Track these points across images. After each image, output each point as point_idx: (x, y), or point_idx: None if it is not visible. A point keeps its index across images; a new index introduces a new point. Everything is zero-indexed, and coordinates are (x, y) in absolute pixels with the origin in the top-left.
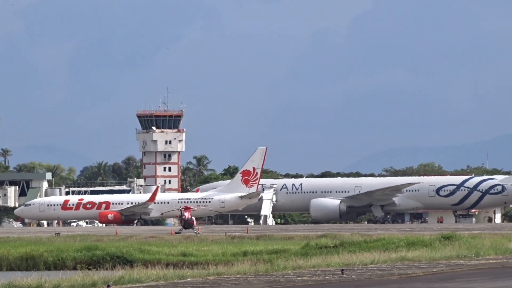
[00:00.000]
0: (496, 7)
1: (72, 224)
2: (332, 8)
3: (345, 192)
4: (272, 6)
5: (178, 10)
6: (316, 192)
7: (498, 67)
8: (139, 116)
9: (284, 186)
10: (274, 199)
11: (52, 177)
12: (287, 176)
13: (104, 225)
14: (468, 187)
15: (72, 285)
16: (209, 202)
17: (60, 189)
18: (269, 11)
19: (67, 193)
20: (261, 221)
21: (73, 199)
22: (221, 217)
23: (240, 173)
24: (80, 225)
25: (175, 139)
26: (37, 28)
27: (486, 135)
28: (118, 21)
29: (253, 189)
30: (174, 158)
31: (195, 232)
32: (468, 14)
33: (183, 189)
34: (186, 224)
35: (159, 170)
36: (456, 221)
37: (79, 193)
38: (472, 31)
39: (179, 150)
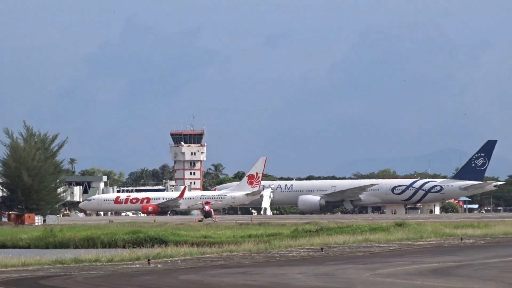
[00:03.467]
0: (435, 58)
1: (122, 214)
2: (315, 56)
3: (324, 190)
4: (271, 53)
5: (201, 56)
6: (302, 190)
7: (439, 99)
8: (171, 135)
9: (279, 186)
10: (271, 196)
11: (107, 179)
12: (281, 179)
13: (145, 215)
14: (415, 187)
15: (122, 259)
16: (223, 198)
17: (113, 188)
18: (268, 58)
19: (118, 192)
20: (262, 212)
21: (123, 196)
22: (232, 209)
23: (246, 176)
24: (128, 215)
25: (198, 151)
26: (97, 70)
27: (428, 149)
28: (156, 65)
29: (256, 189)
30: (198, 166)
31: (213, 220)
32: (414, 62)
33: (204, 188)
34: (206, 214)
35: (187, 174)
36: (406, 212)
37: (127, 191)
38: (417, 73)
39: (201, 160)
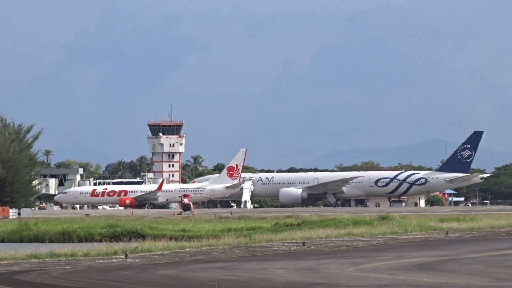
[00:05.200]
0: (421, 46)
1: (98, 207)
2: (298, 42)
3: (306, 183)
4: (252, 41)
5: (181, 45)
6: (284, 183)
7: (425, 88)
8: (149, 125)
9: (260, 179)
10: (252, 189)
11: (84, 171)
12: (262, 171)
13: (123, 208)
14: (399, 180)
15: (99, 254)
16: (203, 191)
17: (89, 181)
18: (249, 45)
19: (95, 184)
20: (242, 205)
21: (99, 188)
22: (212, 202)
23: (226, 168)
24: (105, 208)
25: (177, 143)
26: (75, 57)
27: (413, 139)
28: (136, 53)
29: (236, 181)
30: (176, 157)
31: (192, 214)
32: (400, 49)
33: (183, 181)
34: (185, 208)
35: (165, 166)
36: (390, 206)
37: (104, 184)
38: (402, 61)
39: (180, 151)
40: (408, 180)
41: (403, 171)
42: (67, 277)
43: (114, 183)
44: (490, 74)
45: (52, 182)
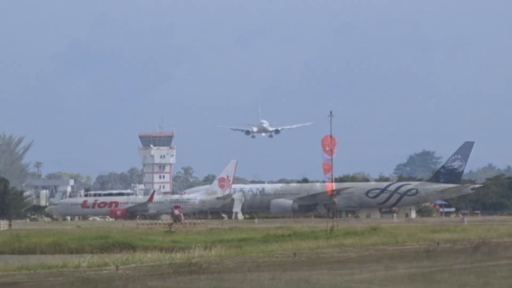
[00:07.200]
0: (412, 57)
1: (89, 218)
2: (288, 54)
3: (297, 194)
4: (242, 51)
5: (172, 55)
6: (274, 194)
7: (416, 99)
8: (140, 137)
9: (251, 190)
10: (243, 200)
11: (74, 183)
12: (253, 182)
13: (113, 219)
14: (390, 191)
15: (90, 266)
16: (194, 202)
17: (80, 192)
18: (239, 55)
19: (86, 195)
20: (233, 217)
21: (90, 200)
22: (203, 213)
23: (217, 180)
24: (96, 220)
25: (167, 154)
26: (65, 69)
27: (404, 150)
28: (125, 64)
29: (227, 192)
30: (167, 169)
31: (183, 225)
32: (391, 58)
33: (174, 192)
34: (176, 219)
35: (156, 177)
36: (381, 216)
37: (94, 195)
38: (393, 72)
39: (171, 162)
40: (399, 191)
41: (394, 181)
42: None
43: (105, 195)
44: (480, 85)
45: (43, 194)
